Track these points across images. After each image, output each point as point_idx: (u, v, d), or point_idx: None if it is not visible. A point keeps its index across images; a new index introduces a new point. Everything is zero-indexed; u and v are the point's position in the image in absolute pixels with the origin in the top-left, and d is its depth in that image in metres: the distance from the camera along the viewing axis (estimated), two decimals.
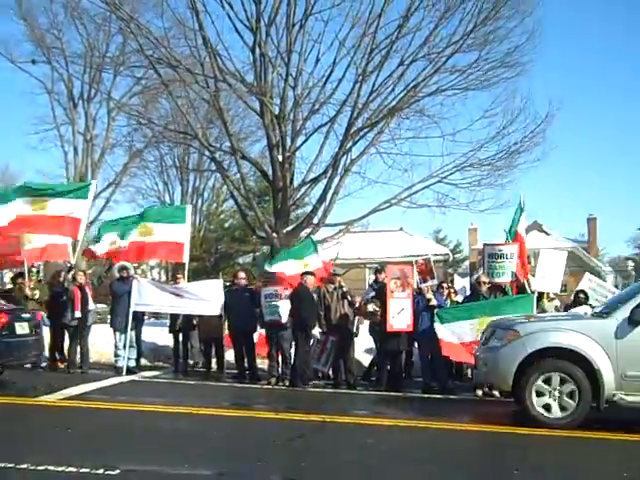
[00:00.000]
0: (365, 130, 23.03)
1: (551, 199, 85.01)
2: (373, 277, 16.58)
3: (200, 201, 43.94)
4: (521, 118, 22.80)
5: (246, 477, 7.19)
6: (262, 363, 15.16)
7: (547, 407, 10.06)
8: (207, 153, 26.17)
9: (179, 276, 16.68)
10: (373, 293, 14.89)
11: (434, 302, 14.06)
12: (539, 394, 10.10)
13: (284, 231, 22.85)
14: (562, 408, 10.03)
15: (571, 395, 10.01)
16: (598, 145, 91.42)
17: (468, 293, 15.93)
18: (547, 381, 10.12)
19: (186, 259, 16.03)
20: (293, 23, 22.10)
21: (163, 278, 43.11)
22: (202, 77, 22.34)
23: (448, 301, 14.93)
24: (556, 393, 10.07)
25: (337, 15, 22.44)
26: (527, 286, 14.41)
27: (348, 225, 24.57)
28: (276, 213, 23.60)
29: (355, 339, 14.77)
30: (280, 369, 14.42)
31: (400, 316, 13.49)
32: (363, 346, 15.70)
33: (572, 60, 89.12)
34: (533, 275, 15.12)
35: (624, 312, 10.15)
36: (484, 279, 14.13)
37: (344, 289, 14.58)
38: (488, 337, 11.06)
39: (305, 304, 13.92)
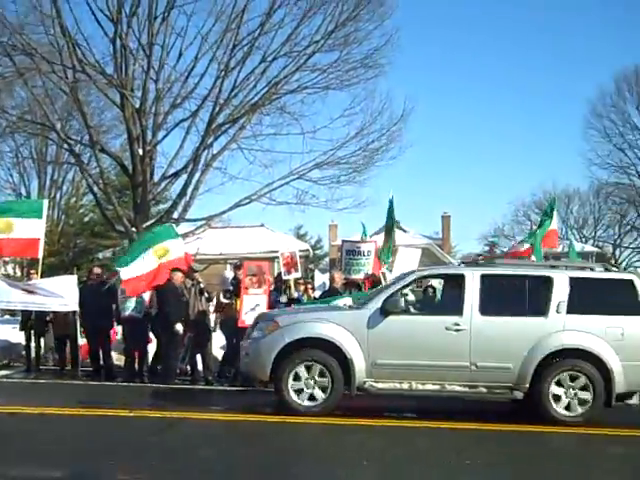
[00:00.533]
0: (227, 126, 23.08)
1: (409, 197, 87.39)
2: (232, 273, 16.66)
3: (59, 194, 42.51)
4: (380, 118, 23.49)
5: (94, 478, 7.12)
6: (119, 360, 14.98)
7: (302, 395, 10.37)
8: (65, 146, 25.46)
9: (32, 272, 16.22)
10: (231, 287, 15.01)
11: (295, 295, 14.31)
12: (295, 382, 10.37)
13: (144, 226, 22.55)
14: (314, 397, 10.36)
15: (325, 385, 10.36)
16: (453, 145, 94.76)
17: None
18: (306, 370, 10.39)
19: (40, 255, 15.60)
20: (155, 15, 21.87)
21: (18, 274, 41.50)
22: (60, 67, 21.70)
23: (305, 296, 15.21)
24: (312, 382, 10.39)
25: (200, 9, 22.45)
26: (383, 281, 14.84)
27: (209, 220, 24.51)
28: (136, 208, 23.29)
29: (213, 335, 14.83)
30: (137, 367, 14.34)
31: (254, 312, 13.57)
32: (221, 342, 15.76)
33: (429, 61, 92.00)
34: (391, 271, 15.59)
35: (377, 303, 10.63)
36: (337, 276, 14.50)
37: (202, 285, 14.60)
38: (252, 329, 11.29)
39: (171, 300, 13.80)
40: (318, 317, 10.90)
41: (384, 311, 10.52)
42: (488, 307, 10.66)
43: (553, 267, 11.68)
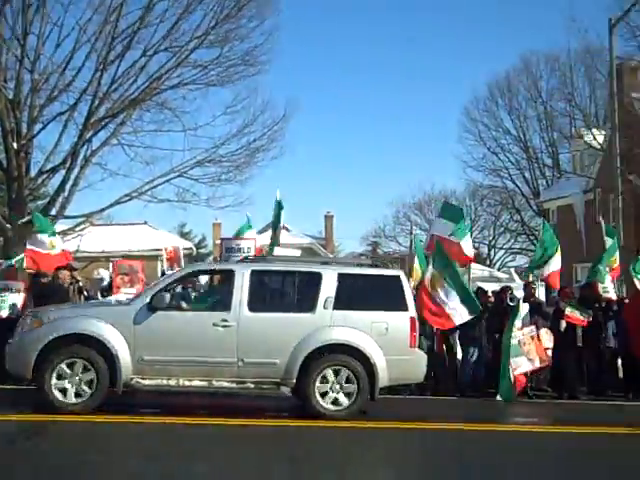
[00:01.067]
0: (106, 120, 22.59)
1: (292, 196, 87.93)
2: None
3: None
4: (262, 116, 23.62)
5: None
6: None
7: (64, 392, 10.26)
8: None
9: None
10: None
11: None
12: (59, 379, 10.26)
13: (20, 222, 21.83)
14: (78, 394, 10.29)
15: (90, 382, 10.29)
16: (336, 145, 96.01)
17: None
18: (69, 367, 10.30)
19: None
20: (29, 3, 21.21)
21: None
22: None
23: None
24: (76, 379, 10.30)
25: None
26: None
27: (89, 217, 23.91)
28: (10, 203, 22.52)
29: None
30: None
31: None
32: None
33: (312, 61, 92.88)
34: None
35: (145, 299, 10.75)
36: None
37: (80, 283, 14.34)
38: (18, 325, 11.11)
39: (55, 299, 13.38)
40: (84, 313, 10.87)
41: (151, 307, 10.54)
42: (257, 303, 10.84)
43: (324, 263, 12.02)
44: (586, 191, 37.77)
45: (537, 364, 13.94)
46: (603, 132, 32.76)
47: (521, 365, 13.73)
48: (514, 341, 13.70)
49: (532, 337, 13.89)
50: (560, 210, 40.88)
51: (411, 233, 31.68)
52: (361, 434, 10.14)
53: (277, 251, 16.82)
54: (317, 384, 10.62)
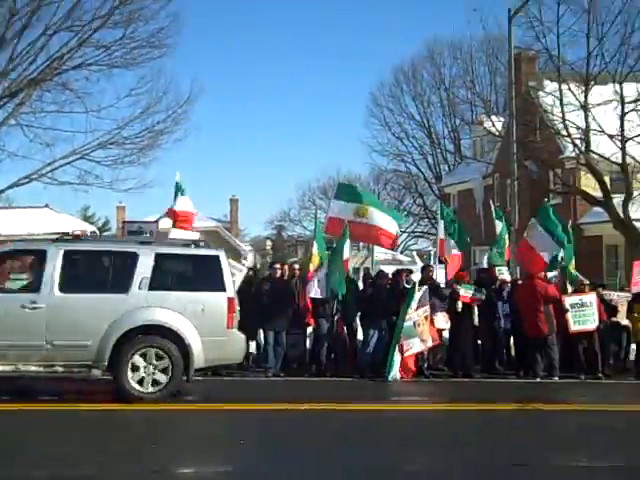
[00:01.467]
0: (4, 100, 21.99)
1: (197, 180, 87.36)
2: None
3: None
4: (166, 98, 23.43)
5: None
6: None
7: None
8: None
9: None
10: None
11: None
12: None
13: None
14: None
15: None
16: (241, 129, 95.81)
17: None
18: None
19: None
20: None
21: None
22: None
23: None
24: None
25: None
26: None
27: None
28: None
29: None
30: None
31: None
32: None
33: (218, 44, 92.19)
34: None
35: None
36: None
37: None
38: None
39: None
40: None
41: None
42: (69, 284, 10.59)
43: (142, 243, 11.55)
44: (485, 176, 38.91)
45: (429, 344, 14.42)
46: (502, 119, 33.73)
47: (413, 346, 14.15)
48: (409, 323, 14.11)
49: (426, 317, 14.34)
50: (461, 194, 41.99)
51: (316, 217, 32.03)
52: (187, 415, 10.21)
53: (175, 234, 16.69)
54: (129, 366, 10.45)
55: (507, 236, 17.61)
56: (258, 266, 40.08)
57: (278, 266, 15.35)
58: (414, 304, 14.19)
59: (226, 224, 52.34)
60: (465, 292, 14.99)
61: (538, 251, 16.11)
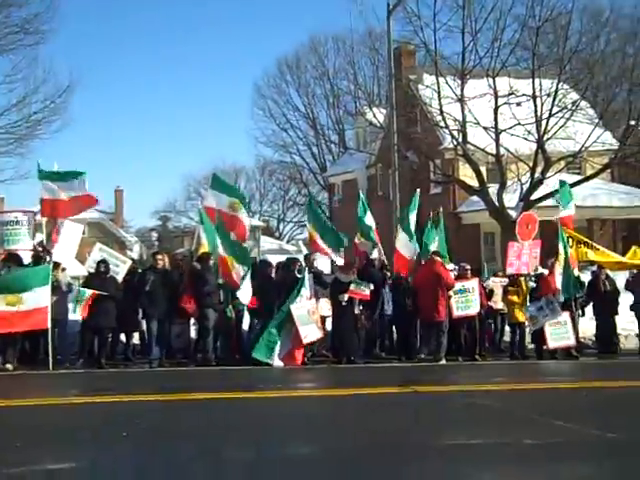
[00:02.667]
0: None
1: (81, 169, 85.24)
2: None
3: None
4: (44, 88, 22.86)
5: None
6: None
7: None
8: None
9: None
10: None
11: None
12: None
13: None
14: None
15: None
16: (125, 120, 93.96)
17: None
18: None
19: None
20: None
21: None
22: None
23: None
24: None
25: None
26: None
27: None
28: None
29: None
30: None
31: None
32: None
33: (102, 33, 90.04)
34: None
35: None
36: None
37: None
38: None
39: None
40: None
41: None
42: None
43: None
44: (368, 166, 39.69)
45: (320, 333, 14.71)
46: (384, 111, 34.47)
47: (310, 333, 14.40)
48: (302, 311, 14.31)
49: (316, 307, 14.62)
50: (345, 184, 42.64)
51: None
52: None
53: (64, 225, 16.24)
54: None
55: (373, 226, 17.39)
56: (144, 257, 39.59)
57: (160, 257, 15.30)
58: (306, 291, 14.38)
59: (111, 215, 51.40)
60: (356, 287, 15.07)
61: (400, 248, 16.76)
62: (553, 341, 15.80)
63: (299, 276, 15.14)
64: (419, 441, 7.95)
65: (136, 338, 15.46)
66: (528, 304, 16.23)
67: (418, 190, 18.29)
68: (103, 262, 14.70)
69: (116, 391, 10.96)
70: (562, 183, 18.20)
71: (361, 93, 45.06)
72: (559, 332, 15.75)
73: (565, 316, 15.82)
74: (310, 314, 14.46)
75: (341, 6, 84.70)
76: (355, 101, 46.30)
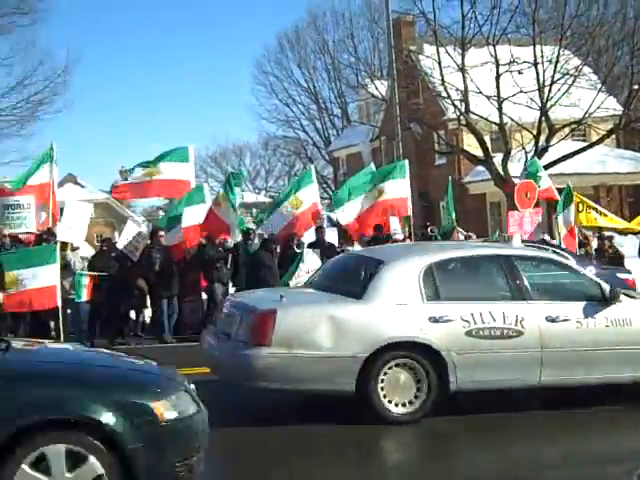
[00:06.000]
0: None
1: (85, 151, 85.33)
2: None
3: None
4: (42, 68, 22.87)
5: None
6: None
7: None
8: None
9: None
10: None
11: None
12: None
13: None
14: None
15: None
16: (128, 98, 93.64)
17: None
18: None
19: None
20: None
21: None
22: None
23: None
24: None
25: None
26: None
27: None
28: None
29: None
30: None
31: None
32: None
33: (97, 11, 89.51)
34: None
35: None
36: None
37: None
38: None
39: None
40: None
41: None
42: None
43: None
44: (372, 139, 39.62)
45: None
46: (385, 83, 34.39)
47: None
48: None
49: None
50: (350, 158, 42.64)
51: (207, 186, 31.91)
52: None
53: (68, 205, 16.30)
54: None
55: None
56: None
57: (162, 233, 15.03)
58: (304, 266, 14.47)
59: None
60: None
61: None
62: None
63: (298, 251, 15.15)
64: None
65: (147, 315, 15.49)
66: None
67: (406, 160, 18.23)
68: (105, 241, 14.60)
69: None
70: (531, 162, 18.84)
71: (362, 66, 44.96)
72: None
73: None
74: None
75: None
76: (356, 74, 46.14)
